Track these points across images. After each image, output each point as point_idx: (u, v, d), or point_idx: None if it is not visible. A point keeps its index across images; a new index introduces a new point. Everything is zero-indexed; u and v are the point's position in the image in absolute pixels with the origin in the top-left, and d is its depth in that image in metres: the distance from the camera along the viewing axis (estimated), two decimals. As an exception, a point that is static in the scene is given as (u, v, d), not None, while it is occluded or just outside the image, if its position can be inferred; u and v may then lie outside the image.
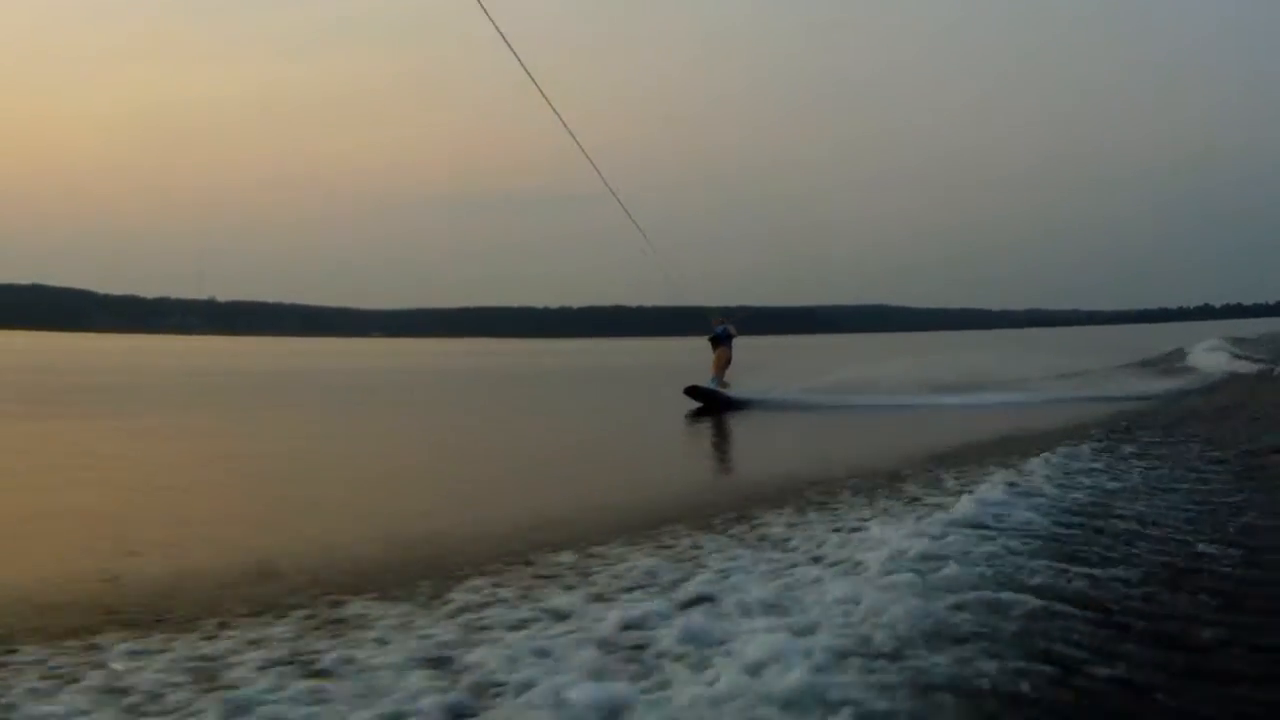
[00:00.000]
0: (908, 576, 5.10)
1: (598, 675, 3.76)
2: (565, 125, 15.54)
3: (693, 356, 23.54)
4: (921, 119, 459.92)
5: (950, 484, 8.57)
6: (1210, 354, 32.88)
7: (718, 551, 5.92)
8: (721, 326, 22.87)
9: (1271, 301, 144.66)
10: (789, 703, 3.49)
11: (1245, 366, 26.64)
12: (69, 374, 34.79)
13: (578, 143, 16.12)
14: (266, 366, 44.50)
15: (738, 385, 21.91)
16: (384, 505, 8.97)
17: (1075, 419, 15.21)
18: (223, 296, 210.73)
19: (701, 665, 3.86)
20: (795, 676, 3.67)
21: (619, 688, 3.63)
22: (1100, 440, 11.59)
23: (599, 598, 4.93)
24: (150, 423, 17.85)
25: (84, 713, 3.43)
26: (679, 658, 3.97)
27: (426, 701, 3.54)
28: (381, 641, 4.19)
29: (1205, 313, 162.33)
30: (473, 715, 3.48)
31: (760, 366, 24.28)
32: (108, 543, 6.88)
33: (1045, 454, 10.00)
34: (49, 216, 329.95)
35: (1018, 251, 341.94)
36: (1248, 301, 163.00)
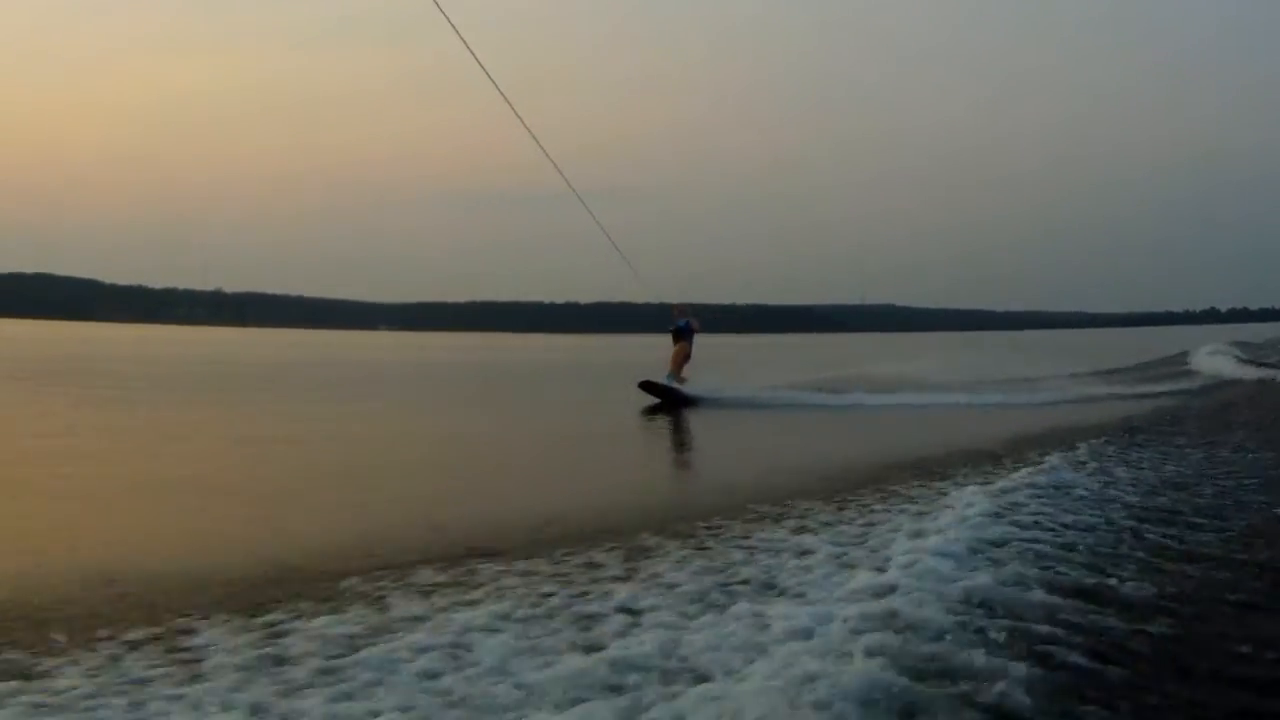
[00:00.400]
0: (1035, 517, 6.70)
1: (849, 565, 5.46)
2: (531, 133, 15.45)
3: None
4: (925, 120, 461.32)
5: (1032, 457, 10.09)
6: (1213, 357, 33.25)
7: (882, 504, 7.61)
8: (684, 320, 21.72)
9: (1279, 306, 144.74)
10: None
11: (1249, 371, 27.00)
12: (158, 364, 36.05)
13: (541, 147, 15.98)
14: (331, 358, 46.30)
15: (696, 382, 21.03)
16: (604, 472, 11.23)
17: (1110, 415, 16.09)
18: (229, 288, 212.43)
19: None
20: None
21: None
22: (1144, 430, 12.85)
23: (806, 529, 6.66)
24: (313, 409, 19.62)
25: (533, 608, 4.80)
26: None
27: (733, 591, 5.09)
28: (684, 560, 5.73)
29: (1211, 316, 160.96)
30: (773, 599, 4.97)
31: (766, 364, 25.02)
32: (399, 499, 8.55)
33: (1092, 441, 11.28)
34: (55, 207, 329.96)
35: (1019, 252, 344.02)
36: (1254, 306, 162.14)
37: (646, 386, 20.73)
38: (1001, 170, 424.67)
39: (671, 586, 5.10)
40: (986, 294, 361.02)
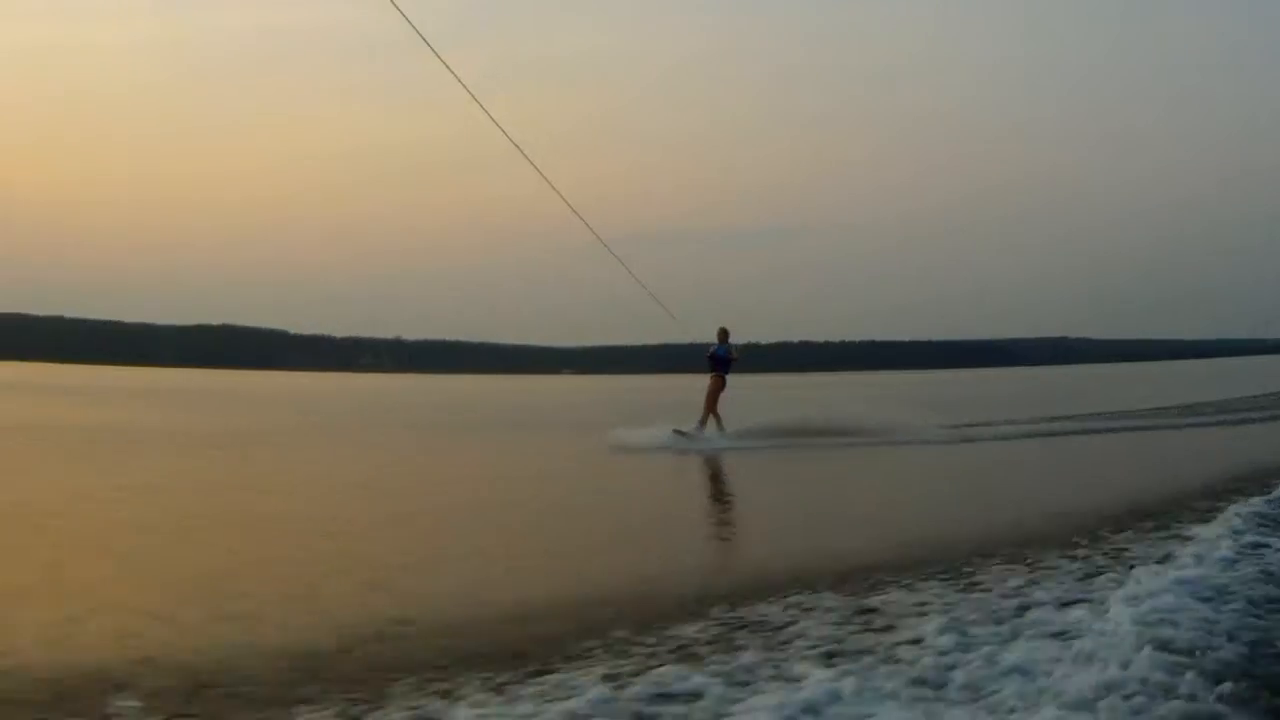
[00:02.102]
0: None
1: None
2: (555, 188, 15.19)
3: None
4: (1093, 147, 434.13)
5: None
6: None
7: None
8: (722, 347, 18.42)
9: None
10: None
11: None
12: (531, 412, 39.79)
13: (563, 196, 15.79)
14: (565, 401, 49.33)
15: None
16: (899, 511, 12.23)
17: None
18: (409, 336, 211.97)
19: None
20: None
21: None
22: None
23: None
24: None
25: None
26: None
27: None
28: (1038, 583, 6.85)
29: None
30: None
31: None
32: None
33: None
34: (235, 264, 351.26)
35: (1188, 277, 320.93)
36: None
37: (679, 434, 18.01)
38: (1180, 191, 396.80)
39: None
40: (1157, 322, 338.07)
